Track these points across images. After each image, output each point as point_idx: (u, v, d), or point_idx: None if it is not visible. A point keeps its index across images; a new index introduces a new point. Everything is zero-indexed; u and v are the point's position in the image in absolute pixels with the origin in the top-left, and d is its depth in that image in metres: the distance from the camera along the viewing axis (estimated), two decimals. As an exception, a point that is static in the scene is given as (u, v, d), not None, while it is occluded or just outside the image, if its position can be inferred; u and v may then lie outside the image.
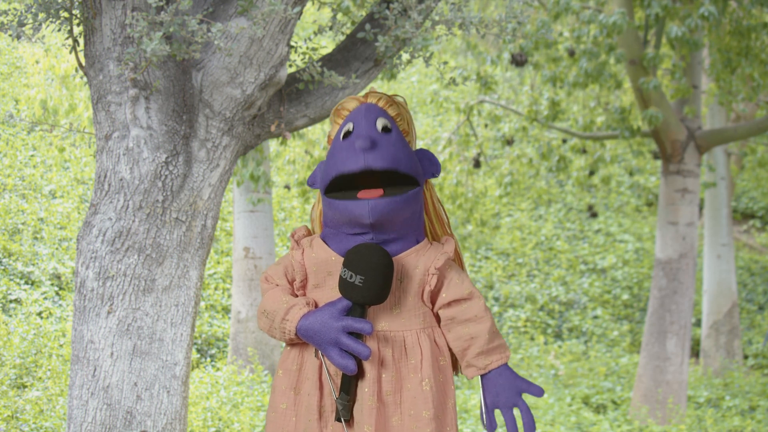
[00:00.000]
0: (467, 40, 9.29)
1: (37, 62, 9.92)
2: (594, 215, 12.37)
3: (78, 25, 3.27)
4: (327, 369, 2.28)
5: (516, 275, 12.40)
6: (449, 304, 2.31)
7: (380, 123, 2.31)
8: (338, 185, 2.27)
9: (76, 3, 3.17)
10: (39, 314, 7.72)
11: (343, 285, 2.21)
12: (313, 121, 3.56)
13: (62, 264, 8.53)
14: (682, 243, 7.95)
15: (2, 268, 8.18)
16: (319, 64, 3.44)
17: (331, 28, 3.73)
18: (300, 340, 2.29)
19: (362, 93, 2.53)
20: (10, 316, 7.51)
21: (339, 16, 4.80)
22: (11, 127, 10.08)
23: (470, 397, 8.12)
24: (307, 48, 3.73)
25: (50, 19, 3.21)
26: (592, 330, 11.47)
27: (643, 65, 7.66)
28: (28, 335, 6.76)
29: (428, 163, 2.38)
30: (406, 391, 2.26)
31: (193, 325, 3.26)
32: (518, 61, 8.16)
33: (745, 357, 11.03)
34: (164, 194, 3.13)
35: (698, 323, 11.49)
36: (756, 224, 14.72)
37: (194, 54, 3.01)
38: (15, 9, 3.20)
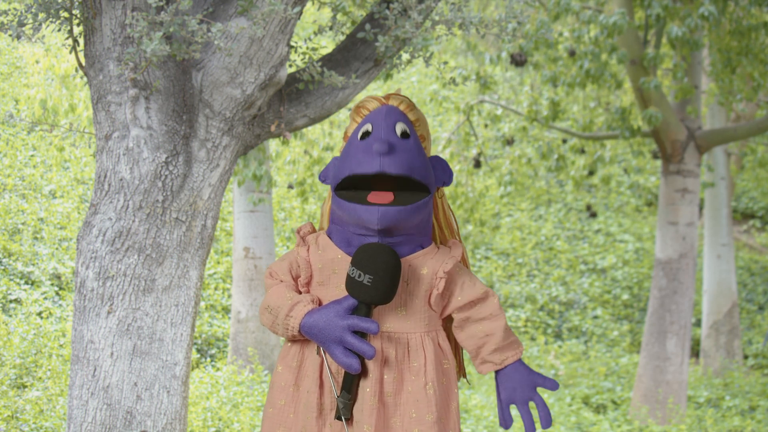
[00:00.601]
0: (467, 40, 9.29)
1: (37, 62, 9.92)
2: (594, 215, 12.37)
3: (78, 25, 3.27)
4: (329, 367, 2.27)
5: (516, 275, 12.40)
6: (464, 306, 2.33)
7: (399, 128, 2.30)
8: (350, 184, 2.28)
9: (76, 3, 3.17)
10: (39, 314, 7.72)
11: (351, 283, 2.21)
12: (313, 121, 3.56)
13: (62, 264, 8.53)
14: (682, 243, 7.95)
15: (2, 268, 8.18)
16: (319, 64, 3.44)
17: (331, 28, 3.73)
18: (302, 337, 2.28)
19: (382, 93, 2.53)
20: (10, 316, 7.51)
21: (339, 16, 4.80)
22: (11, 127, 10.08)
23: (470, 397, 8.12)
24: (307, 48, 3.73)
25: (50, 19, 3.21)
26: (592, 330, 11.47)
27: (643, 65, 7.66)
28: (28, 335, 6.76)
29: (441, 172, 2.38)
30: (406, 393, 2.26)
31: (193, 325, 3.26)
32: (518, 61, 8.16)
33: (745, 357, 11.03)
34: (164, 194, 3.13)
35: (698, 323, 11.50)
36: (756, 224, 14.72)
37: (194, 54, 3.01)
38: (15, 9, 3.20)
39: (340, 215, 2.29)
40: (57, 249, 8.74)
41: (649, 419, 7.73)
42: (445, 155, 9.56)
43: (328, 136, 9.22)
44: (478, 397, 8.07)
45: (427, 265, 2.29)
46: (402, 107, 2.36)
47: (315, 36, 3.84)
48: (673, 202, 8.01)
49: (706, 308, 10.68)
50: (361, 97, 13.00)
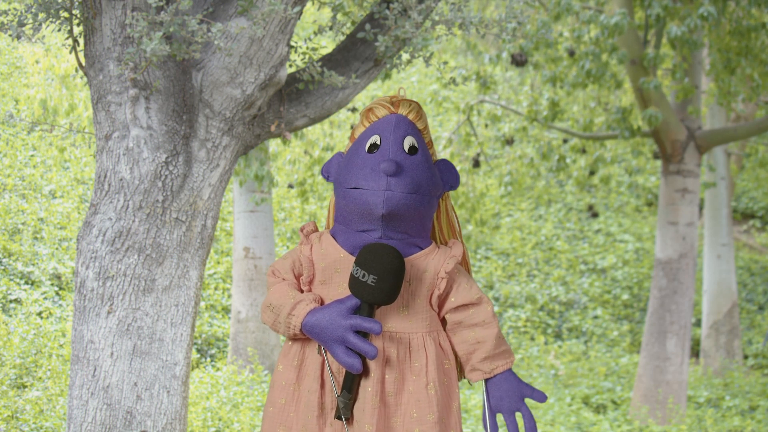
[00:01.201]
0: (467, 40, 9.29)
1: (37, 62, 9.92)
2: (595, 215, 12.37)
3: (78, 25, 3.27)
4: (329, 366, 2.27)
5: (516, 275, 12.40)
6: (457, 308, 2.32)
7: (408, 143, 2.30)
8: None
9: (76, 3, 3.17)
10: (39, 314, 7.72)
11: (355, 283, 2.21)
12: (313, 121, 3.56)
13: (62, 264, 8.53)
14: (682, 243, 7.95)
15: (2, 268, 8.18)
16: (319, 64, 3.44)
17: (331, 28, 3.73)
18: (304, 336, 2.28)
19: (389, 92, 2.52)
20: (10, 316, 7.51)
21: (339, 16, 4.80)
22: (11, 127, 10.08)
23: (470, 397, 8.12)
24: (307, 48, 3.73)
25: (50, 19, 3.21)
26: (592, 330, 11.47)
27: (643, 65, 7.66)
28: (28, 335, 6.76)
29: (448, 175, 2.38)
30: (407, 393, 2.26)
31: (193, 325, 3.26)
32: (518, 61, 8.15)
33: (745, 357, 11.03)
34: (164, 194, 3.13)
35: (698, 323, 11.49)
36: (756, 224, 14.72)
37: (194, 54, 3.01)
38: (15, 9, 3.20)
39: (344, 207, 2.29)
40: (57, 249, 8.74)
41: (649, 419, 7.73)
42: (445, 155, 9.56)
43: (328, 137, 9.22)
44: (478, 397, 8.07)
45: (429, 266, 2.29)
46: (411, 116, 2.35)
47: (315, 36, 3.84)
48: (673, 202, 8.01)
49: (706, 308, 10.68)
50: (361, 96, 13.00)
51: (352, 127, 2.48)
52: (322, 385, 2.28)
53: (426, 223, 2.33)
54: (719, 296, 10.57)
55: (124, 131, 3.12)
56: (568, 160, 9.71)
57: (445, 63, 3.81)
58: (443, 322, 2.38)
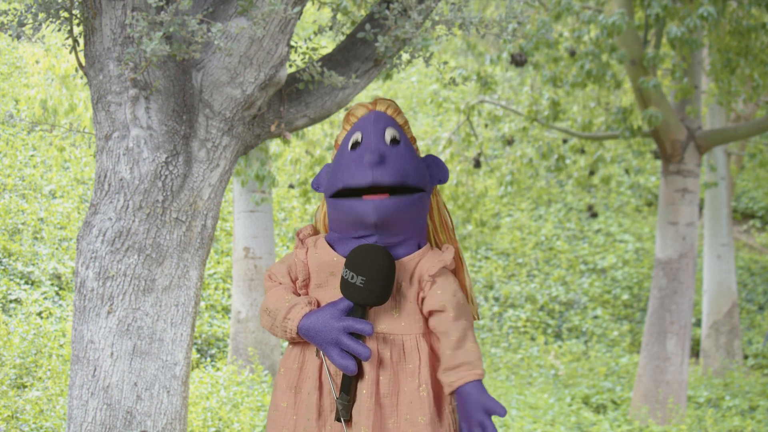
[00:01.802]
0: (467, 40, 9.29)
1: (37, 62, 9.92)
2: (594, 215, 12.37)
3: (78, 25, 3.27)
4: (327, 368, 2.28)
5: (516, 275, 12.40)
6: (429, 313, 2.30)
7: (389, 134, 2.30)
8: (344, 193, 2.28)
9: (76, 3, 3.17)
10: (39, 314, 7.72)
11: (345, 285, 2.21)
12: (313, 121, 3.56)
13: (62, 264, 8.53)
14: (682, 243, 7.95)
15: (2, 268, 8.18)
16: (319, 64, 3.45)
17: (331, 28, 3.73)
18: (301, 339, 2.29)
19: (369, 98, 2.53)
20: (10, 316, 7.51)
21: (339, 16, 4.80)
22: (11, 127, 10.08)
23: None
24: (307, 48, 3.73)
25: (50, 19, 3.21)
26: (592, 330, 11.47)
27: (643, 65, 7.66)
28: (28, 335, 6.76)
29: (436, 170, 2.38)
30: (402, 394, 2.26)
31: (193, 325, 3.27)
32: (518, 61, 8.15)
33: (745, 357, 11.03)
34: (164, 194, 3.13)
35: (698, 323, 11.49)
36: (756, 224, 14.72)
37: (194, 54, 3.01)
38: (15, 9, 3.20)
39: (337, 218, 2.29)
40: (57, 249, 8.74)
41: (649, 419, 7.73)
42: (445, 155, 9.56)
43: (329, 137, 9.22)
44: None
45: (420, 268, 2.29)
46: (389, 111, 2.36)
47: (315, 36, 3.84)
48: (673, 202, 8.01)
49: (706, 308, 10.68)
50: (360, 97, 13.00)
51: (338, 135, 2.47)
52: (321, 388, 2.29)
53: (421, 221, 2.33)
54: (719, 296, 10.57)
55: (124, 131, 3.12)
56: (567, 161, 9.71)
57: (445, 63, 3.81)
58: None
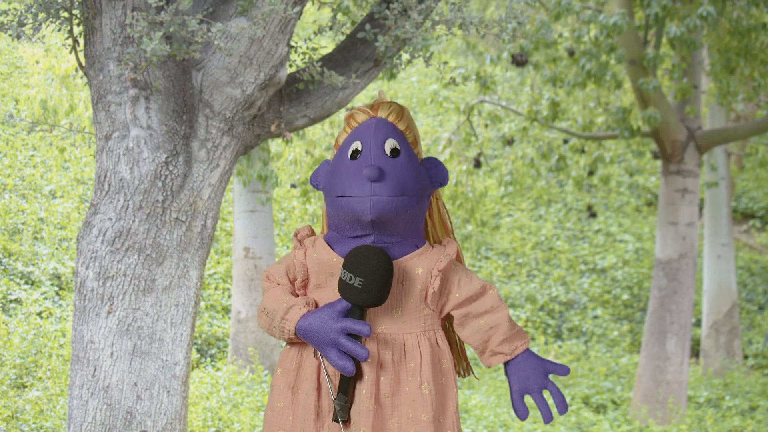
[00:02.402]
0: (467, 40, 9.29)
1: (37, 62, 9.92)
2: (594, 215, 12.37)
3: (78, 25, 3.27)
4: (325, 369, 2.28)
5: (516, 275, 12.40)
6: (462, 302, 2.32)
7: (389, 145, 2.30)
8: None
9: (76, 3, 3.17)
10: (39, 314, 7.72)
11: (343, 286, 2.21)
12: (313, 121, 3.56)
13: (62, 264, 8.53)
14: (682, 243, 7.95)
15: (2, 268, 8.18)
16: (319, 64, 3.44)
17: (331, 28, 3.73)
18: (299, 339, 2.29)
19: (370, 95, 2.51)
20: (10, 316, 7.51)
21: (339, 16, 4.80)
22: (11, 127, 10.08)
23: (470, 397, 8.12)
24: (307, 48, 3.73)
25: (50, 19, 3.21)
26: (592, 330, 11.47)
27: (642, 65, 7.66)
28: (28, 335, 6.76)
29: (436, 172, 2.37)
30: (404, 394, 2.26)
31: (193, 325, 3.27)
32: (518, 61, 8.15)
33: (745, 357, 11.03)
34: (164, 194, 3.13)
35: (698, 323, 11.49)
36: (756, 224, 14.72)
37: (194, 54, 3.01)
38: (15, 9, 3.20)
39: (335, 215, 2.30)
40: (57, 249, 8.74)
41: (649, 419, 7.73)
42: (445, 155, 9.56)
43: (329, 137, 9.22)
44: (478, 397, 8.07)
45: (422, 265, 2.29)
46: (391, 118, 2.35)
47: (315, 36, 3.84)
48: (673, 202, 8.00)
49: (706, 308, 10.68)
50: (361, 96, 13.01)
51: (338, 133, 2.46)
52: (319, 389, 2.29)
53: (418, 223, 2.33)
54: (719, 296, 10.57)
55: (124, 131, 3.12)
56: (568, 161, 9.71)
57: (445, 63, 3.81)
58: (448, 318, 2.38)
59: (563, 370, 2.29)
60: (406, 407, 2.25)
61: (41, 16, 3.20)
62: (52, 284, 8.28)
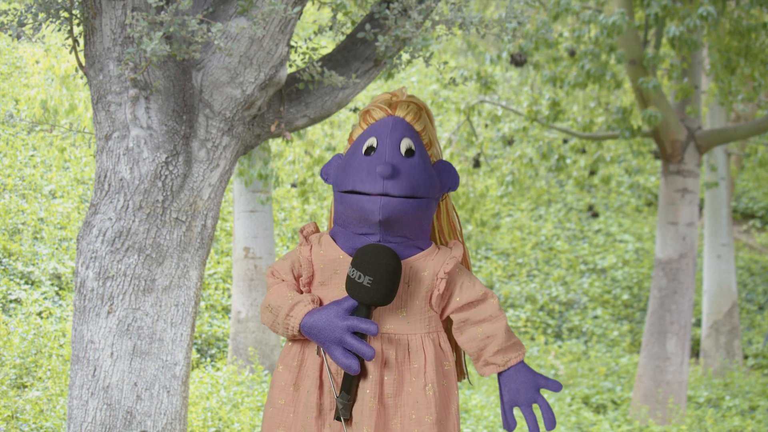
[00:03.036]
0: (467, 40, 9.29)
1: (37, 62, 9.92)
2: (594, 215, 12.38)
3: (78, 25, 3.27)
4: (328, 367, 2.27)
5: (516, 275, 12.40)
6: (463, 307, 2.31)
7: (404, 145, 2.29)
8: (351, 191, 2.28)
9: (76, 3, 3.17)
10: (39, 314, 7.72)
11: (351, 285, 2.21)
12: (313, 121, 3.56)
13: (62, 264, 8.53)
14: (682, 243, 7.95)
15: (2, 268, 8.18)
16: (319, 64, 3.44)
17: (331, 28, 3.73)
18: (303, 336, 2.29)
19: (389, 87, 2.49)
20: (10, 316, 7.51)
21: (339, 16, 4.80)
22: (11, 127, 10.08)
23: (470, 397, 8.12)
24: (307, 48, 3.73)
25: (50, 19, 3.21)
26: (592, 330, 11.47)
27: (642, 65, 7.66)
28: (28, 335, 6.76)
29: (447, 176, 2.36)
30: (406, 394, 2.26)
31: (193, 325, 3.27)
32: (518, 61, 8.15)
33: (745, 357, 11.03)
34: (164, 194, 3.13)
35: (698, 323, 11.50)
36: (756, 224, 14.72)
37: (194, 54, 3.01)
38: (15, 9, 3.20)
39: (342, 212, 2.29)
40: (57, 249, 8.74)
41: (649, 419, 7.73)
42: (445, 155, 9.56)
43: (329, 137, 9.22)
44: (478, 397, 8.07)
45: (428, 266, 2.29)
46: (408, 118, 2.34)
47: (315, 36, 3.84)
48: (673, 202, 8.00)
49: (706, 308, 10.68)
50: (362, 96, 13.01)
51: (353, 127, 2.46)
52: (321, 386, 2.28)
53: (425, 225, 2.32)
54: (719, 296, 10.57)
55: (124, 131, 3.12)
56: (568, 161, 9.71)
57: (446, 63, 3.81)
58: (447, 322, 2.37)
59: (555, 386, 2.28)
60: (409, 408, 2.25)
61: (41, 16, 3.20)
62: (52, 284, 8.28)
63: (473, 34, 4.12)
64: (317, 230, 2.41)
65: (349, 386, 2.23)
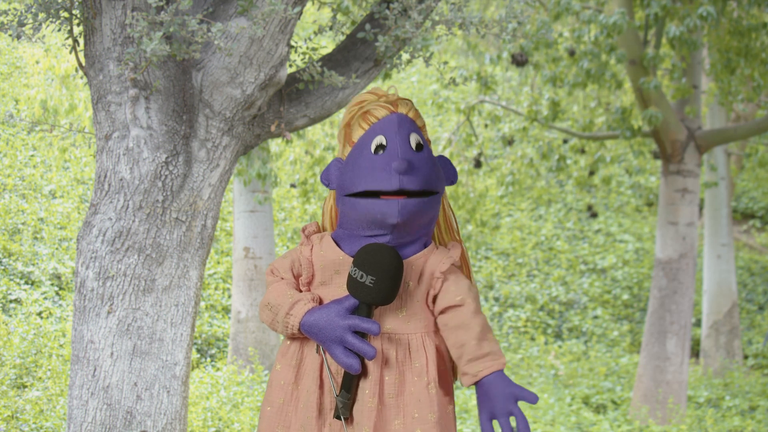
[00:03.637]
0: (467, 40, 9.29)
1: (37, 62, 9.92)
2: (594, 215, 12.38)
3: (78, 25, 3.27)
4: (328, 367, 2.27)
5: (516, 275, 12.40)
6: (443, 310, 2.29)
7: (413, 140, 2.29)
8: (362, 194, 2.27)
9: (76, 3, 3.17)
10: (39, 314, 7.72)
11: (353, 284, 2.20)
12: (313, 121, 3.56)
13: (62, 264, 8.53)
14: (682, 243, 7.95)
15: (2, 268, 8.18)
16: (319, 64, 3.44)
17: (331, 28, 3.73)
18: (302, 335, 2.28)
19: (379, 88, 2.47)
20: (10, 316, 7.51)
21: (339, 16, 4.80)
22: (11, 127, 10.08)
23: (470, 397, 8.12)
24: (307, 48, 3.73)
25: (50, 19, 3.21)
26: (592, 330, 11.47)
27: (643, 65, 7.66)
28: (28, 335, 6.76)
29: (447, 170, 2.37)
30: (408, 394, 2.25)
31: (193, 325, 3.27)
32: (518, 61, 8.15)
33: (745, 357, 11.03)
34: (164, 194, 3.13)
35: (698, 323, 11.50)
36: (756, 224, 14.72)
37: (194, 54, 3.01)
38: (15, 9, 3.20)
39: (353, 216, 2.27)
40: (57, 249, 8.74)
41: (649, 419, 7.73)
42: (445, 155, 9.55)
43: (329, 137, 9.23)
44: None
45: (428, 266, 2.29)
46: (411, 114, 2.35)
47: (315, 36, 3.84)
48: (673, 202, 8.00)
49: (706, 308, 10.68)
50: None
51: (345, 129, 2.44)
52: (321, 386, 2.28)
53: (433, 222, 2.33)
54: (719, 296, 10.57)
55: (124, 131, 3.12)
56: (568, 161, 9.71)
57: (446, 63, 3.81)
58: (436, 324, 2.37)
59: (532, 398, 2.20)
60: (411, 407, 2.24)
61: (41, 16, 3.20)
62: (52, 284, 8.28)
63: (473, 34, 4.12)
64: (319, 230, 2.40)
65: (349, 385, 2.23)
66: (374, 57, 3.52)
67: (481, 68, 9.07)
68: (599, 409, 8.63)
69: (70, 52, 3.34)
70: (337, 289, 2.29)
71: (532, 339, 11.15)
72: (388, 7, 3.41)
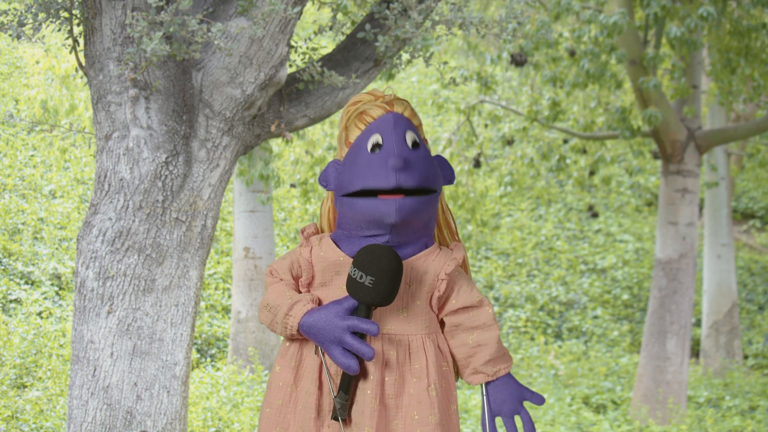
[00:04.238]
0: (467, 40, 9.29)
1: (37, 62, 9.93)
2: (594, 215, 12.38)
3: (78, 25, 3.27)
4: (327, 367, 2.27)
5: (516, 275, 12.40)
6: (457, 311, 2.30)
7: (410, 138, 2.29)
8: (359, 193, 2.27)
9: (76, 3, 3.17)
10: (39, 314, 7.73)
11: (352, 285, 2.20)
12: (313, 121, 3.56)
13: (62, 264, 8.53)
14: (682, 243, 7.95)
15: (2, 268, 8.19)
16: (319, 64, 3.44)
17: (331, 28, 3.73)
18: (301, 336, 2.28)
19: (376, 89, 2.48)
20: (10, 316, 7.51)
21: (339, 16, 4.80)
22: (11, 127, 10.08)
23: (470, 397, 8.12)
24: (307, 48, 3.73)
25: (50, 19, 3.22)
26: (592, 330, 11.47)
27: (643, 65, 7.66)
28: (28, 335, 6.77)
29: (444, 169, 2.38)
30: (407, 395, 2.25)
31: (193, 325, 3.27)
32: (518, 61, 8.15)
33: (745, 357, 11.03)
34: (164, 194, 3.13)
35: (698, 323, 11.50)
36: (756, 224, 14.73)
37: (194, 54, 3.01)
38: (15, 9, 3.20)
39: (351, 217, 2.27)
40: (57, 249, 8.74)
41: (649, 419, 7.73)
42: (445, 155, 9.56)
43: (329, 137, 9.23)
44: (478, 397, 8.07)
45: (430, 267, 2.28)
46: (407, 113, 2.35)
47: (315, 36, 3.84)
48: (673, 202, 8.00)
49: (706, 308, 10.68)
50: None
51: (343, 130, 2.44)
52: (320, 387, 2.28)
53: (431, 223, 2.33)
54: (719, 296, 10.57)
55: (124, 131, 3.12)
56: (568, 161, 9.71)
57: (446, 63, 3.81)
58: (441, 324, 2.37)
59: (538, 400, 2.29)
60: (411, 408, 2.24)
61: (41, 16, 3.20)
62: (52, 284, 8.28)
63: (473, 34, 4.12)
64: (318, 231, 2.40)
65: (348, 386, 2.23)
66: (374, 57, 3.52)
67: (481, 68, 9.07)
68: (599, 409, 8.63)
69: (70, 52, 3.34)
70: (336, 290, 2.29)
71: (532, 339, 11.15)
72: (388, 7, 3.41)
